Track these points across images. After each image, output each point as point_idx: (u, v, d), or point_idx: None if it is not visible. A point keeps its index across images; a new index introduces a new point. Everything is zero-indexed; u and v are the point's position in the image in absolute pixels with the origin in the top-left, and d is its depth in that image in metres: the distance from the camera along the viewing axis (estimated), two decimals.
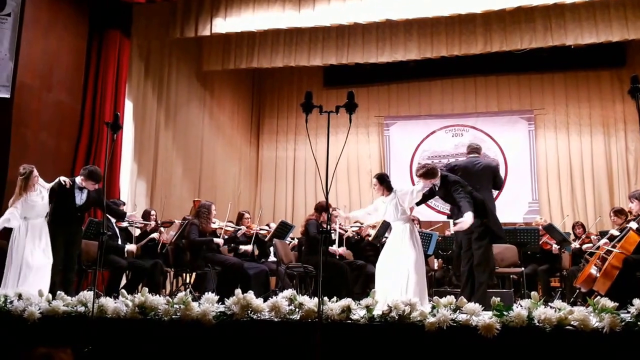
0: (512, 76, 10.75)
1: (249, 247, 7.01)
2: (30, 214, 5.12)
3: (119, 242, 6.40)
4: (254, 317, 3.66)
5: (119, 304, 3.95)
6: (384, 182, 5.17)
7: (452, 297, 3.55)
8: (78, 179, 5.40)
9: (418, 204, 5.40)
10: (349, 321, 3.52)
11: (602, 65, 10.22)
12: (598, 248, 6.05)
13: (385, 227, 6.23)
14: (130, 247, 6.38)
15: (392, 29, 8.36)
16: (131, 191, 7.83)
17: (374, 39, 8.49)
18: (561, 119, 10.47)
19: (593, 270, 5.70)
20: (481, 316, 3.33)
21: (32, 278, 4.90)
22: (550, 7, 7.51)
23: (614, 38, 7.73)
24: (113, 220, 6.35)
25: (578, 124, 10.39)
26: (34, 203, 5.14)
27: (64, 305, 4.05)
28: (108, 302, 3.96)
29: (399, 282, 4.69)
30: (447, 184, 5.00)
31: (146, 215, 6.89)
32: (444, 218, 8.86)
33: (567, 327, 3.22)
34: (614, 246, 5.58)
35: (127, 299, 4.00)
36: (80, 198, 5.41)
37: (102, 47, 7.53)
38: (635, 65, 9.83)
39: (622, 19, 7.59)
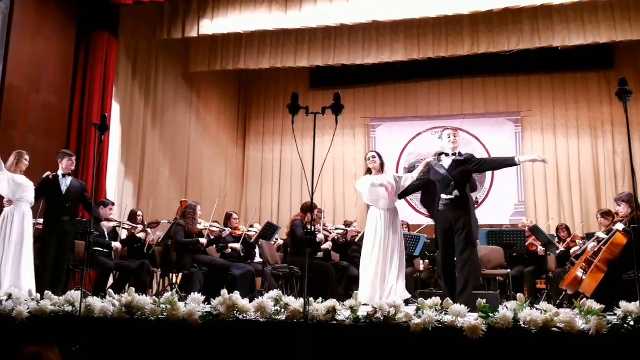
0: (499, 78, 10.80)
1: (237, 245, 6.95)
2: (18, 193, 5.23)
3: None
4: (240, 317, 3.67)
5: (106, 304, 3.97)
6: (381, 158, 5.32)
7: (438, 298, 3.55)
8: (60, 171, 5.60)
9: (400, 196, 5.36)
10: (335, 322, 3.51)
11: (589, 67, 10.29)
12: (585, 250, 6.09)
13: None
14: (116, 244, 6.39)
15: (378, 30, 8.37)
16: (118, 192, 7.80)
17: (360, 40, 8.50)
18: (548, 121, 10.53)
19: (579, 273, 5.73)
20: (467, 318, 3.33)
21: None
22: (538, 8, 7.55)
23: (601, 40, 7.78)
24: (103, 218, 6.35)
25: (565, 126, 10.46)
26: (21, 181, 5.28)
27: (51, 305, 4.07)
28: (95, 302, 3.98)
29: (394, 270, 4.92)
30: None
31: (133, 216, 6.86)
32: (430, 221, 8.90)
33: (553, 329, 3.22)
34: (600, 249, 5.62)
35: (114, 298, 4.01)
36: (64, 185, 5.56)
37: (90, 48, 7.52)
38: (623, 68, 9.93)
39: (610, 20, 7.65)
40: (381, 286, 4.97)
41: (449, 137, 5.01)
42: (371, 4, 7.50)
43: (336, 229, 7.36)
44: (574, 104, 10.45)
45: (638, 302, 3.15)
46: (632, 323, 3.13)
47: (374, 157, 5.34)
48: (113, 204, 6.85)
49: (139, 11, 8.10)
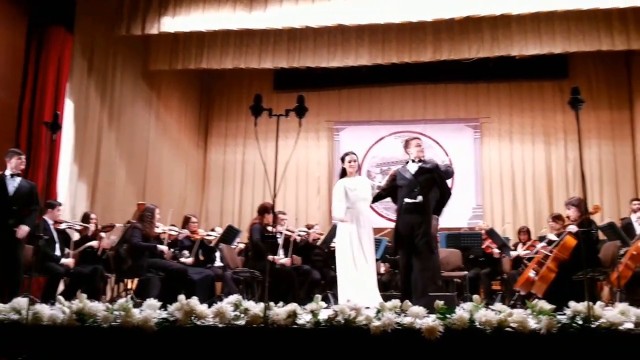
0: (460, 85, 10.99)
1: (189, 260, 6.81)
2: None
3: (57, 246, 6.12)
4: (198, 323, 3.57)
5: (55, 311, 3.78)
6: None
7: (398, 300, 3.59)
8: (7, 171, 5.34)
9: (375, 200, 5.46)
10: (295, 326, 3.48)
11: (545, 76, 10.59)
12: (537, 253, 6.26)
13: (333, 232, 6.24)
14: (67, 261, 6.09)
15: (343, 34, 8.40)
16: (70, 194, 7.50)
17: (325, 44, 8.50)
18: (505, 127, 10.79)
19: (531, 274, 5.90)
20: (425, 319, 3.37)
21: None
22: (498, 18, 7.72)
23: (556, 50, 8.03)
24: (50, 222, 6.11)
25: (521, 133, 10.73)
26: None
27: None
28: (44, 309, 3.79)
29: (373, 274, 5.12)
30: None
31: (86, 219, 6.63)
32: (392, 225, 8.99)
33: (507, 328, 3.28)
34: (551, 251, 5.79)
35: (64, 305, 3.84)
36: (12, 186, 5.31)
37: (43, 43, 7.21)
38: (576, 78, 10.27)
39: (565, 32, 7.89)
40: (360, 288, 5.03)
41: (418, 147, 5.21)
42: (336, 8, 7.52)
43: (300, 231, 7.34)
44: (530, 111, 10.73)
45: (586, 302, 3.25)
46: (580, 322, 3.23)
47: (355, 160, 5.38)
48: (60, 205, 6.59)
49: (96, 6, 7.88)
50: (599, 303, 3.38)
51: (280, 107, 3.60)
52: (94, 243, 6.44)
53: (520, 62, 9.11)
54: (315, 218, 10.27)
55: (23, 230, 5.26)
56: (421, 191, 5.00)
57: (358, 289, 4.99)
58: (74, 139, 7.63)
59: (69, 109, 7.53)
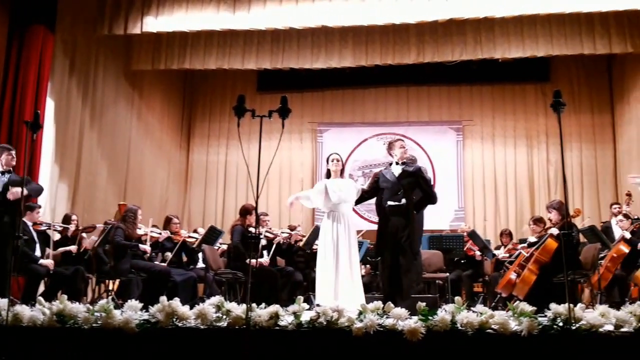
0: (443, 87, 11.05)
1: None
2: None
3: (37, 247, 6.05)
4: (180, 324, 3.56)
5: (35, 312, 3.74)
6: (342, 161, 5.45)
7: (379, 302, 3.59)
8: None
9: (357, 202, 5.46)
10: (277, 327, 3.48)
11: (527, 79, 10.70)
12: (518, 255, 6.32)
13: (316, 233, 6.25)
14: (46, 262, 5.97)
15: (327, 35, 8.41)
16: (51, 195, 7.38)
17: (309, 45, 8.50)
18: (488, 130, 10.87)
19: (513, 276, 5.95)
20: (407, 321, 3.38)
21: None
22: (481, 20, 7.77)
23: (539, 53, 8.12)
24: (30, 223, 6.03)
25: (503, 136, 10.81)
26: None
27: None
28: (24, 310, 3.75)
29: (356, 276, 5.07)
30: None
31: (67, 220, 6.56)
32: (373, 227, 9.02)
33: (488, 330, 3.31)
34: (532, 253, 5.84)
35: (44, 306, 3.80)
36: (1, 182, 5.23)
37: (24, 42, 7.10)
38: (558, 81, 10.39)
39: (548, 35, 7.97)
40: (341, 291, 5.03)
41: (402, 148, 5.23)
42: (320, 9, 7.51)
43: (281, 232, 7.33)
44: (512, 114, 10.83)
45: (567, 304, 3.28)
46: (560, 324, 3.26)
47: (338, 160, 5.39)
48: (40, 207, 6.49)
49: (78, 5, 7.79)
50: (579, 305, 3.42)
51: (264, 108, 3.59)
52: (73, 248, 6.37)
53: (503, 65, 9.20)
54: (298, 220, 10.26)
55: (16, 191, 5.13)
56: (404, 194, 5.03)
57: (338, 291, 4.99)
58: (54, 138, 7.53)
59: (50, 108, 7.41)
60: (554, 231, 5.80)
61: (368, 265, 7.74)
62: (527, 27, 8.00)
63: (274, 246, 6.90)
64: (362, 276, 7.52)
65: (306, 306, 3.62)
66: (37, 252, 6.04)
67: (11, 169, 5.41)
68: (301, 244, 7.26)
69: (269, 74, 10.31)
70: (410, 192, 5.05)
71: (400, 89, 11.16)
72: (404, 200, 5.01)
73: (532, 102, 10.77)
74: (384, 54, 8.39)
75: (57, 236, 6.53)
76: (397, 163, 5.18)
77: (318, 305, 4.21)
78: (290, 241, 7.28)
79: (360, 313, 3.49)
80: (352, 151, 11.00)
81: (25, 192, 4.94)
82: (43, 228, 6.23)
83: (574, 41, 7.94)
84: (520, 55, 8.15)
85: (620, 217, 6.73)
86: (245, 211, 6.70)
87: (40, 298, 4.05)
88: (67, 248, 6.35)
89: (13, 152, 5.43)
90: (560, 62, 10.32)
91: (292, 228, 7.88)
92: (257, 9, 7.56)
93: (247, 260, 6.26)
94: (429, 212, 5.51)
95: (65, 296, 3.90)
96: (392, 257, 4.98)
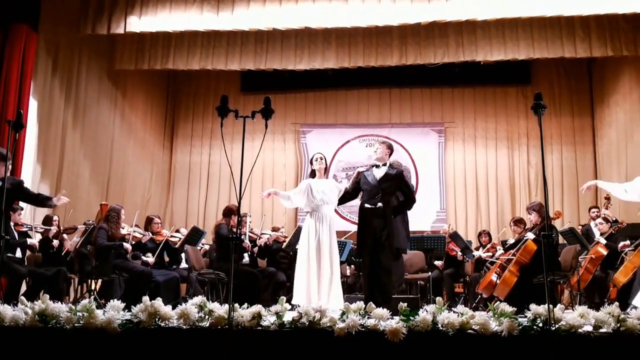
0: (425, 89, 11.14)
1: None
2: None
3: (18, 248, 6.00)
4: (162, 324, 3.55)
5: (17, 312, 3.71)
6: (326, 161, 5.48)
7: (362, 302, 3.61)
8: None
9: (340, 202, 5.47)
10: (260, 328, 3.49)
11: (509, 82, 10.83)
12: (498, 257, 6.40)
13: (299, 234, 6.27)
14: (33, 241, 6.02)
15: (310, 37, 8.43)
16: None
17: (292, 46, 8.51)
18: (469, 132, 10.98)
19: (493, 277, 6.03)
20: (388, 321, 3.40)
21: None
22: (463, 23, 7.85)
23: (520, 56, 8.19)
24: (11, 223, 5.97)
25: (484, 138, 10.93)
26: None
27: None
28: (6, 310, 3.72)
29: (337, 275, 5.10)
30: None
31: (48, 221, 6.50)
32: (355, 228, 9.07)
33: (469, 330, 3.34)
34: (513, 255, 5.92)
35: (26, 306, 3.77)
36: None
37: (6, 41, 7.02)
38: (539, 83, 10.54)
39: (529, 38, 8.07)
40: (320, 290, 5.05)
41: (388, 149, 5.24)
42: (304, 11, 7.52)
43: (262, 234, 7.33)
44: (494, 116, 10.95)
45: (547, 304, 3.33)
46: (540, 325, 3.30)
47: (321, 158, 5.40)
48: (22, 209, 6.43)
49: (61, 4, 7.72)
50: (559, 306, 3.47)
51: (247, 109, 3.60)
52: (55, 242, 6.33)
53: (485, 67, 9.30)
54: (281, 220, 10.28)
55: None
56: (382, 197, 4.99)
57: (320, 292, 5.02)
58: (37, 138, 7.46)
59: (32, 107, 7.34)
60: (530, 235, 5.89)
61: (352, 266, 7.78)
62: (509, 30, 8.08)
63: (257, 248, 6.92)
64: (347, 277, 7.61)
65: (288, 306, 3.64)
66: (18, 254, 5.99)
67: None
68: (284, 245, 7.28)
69: (253, 75, 10.30)
70: (389, 196, 5.04)
71: (383, 91, 11.22)
72: (380, 205, 4.97)
73: (513, 105, 10.91)
74: (366, 55, 8.43)
75: (38, 237, 6.48)
76: (377, 166, 5.14)
77: (293, 306, 4.22)
78: (268, 241, 7.24)
79: (343, 313, 3.51)
80: (336, 152, 11.03)
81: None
82: (24, 229, 6.17)
83: (555, 44, 8.05)
84: (502, 58, 8.24)
85: (600, 220, 6.83)
86: (229, 211, 6.70)
87: (23, 298, 4.02)
88: (52, 243, 6.28)
89: (10, 162, 5.26)
90: (541, 65, 10.47)
91: (275, 229, 7.89)
92: (240, 9, 7.55)
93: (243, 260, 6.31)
94: (412, 213, 5.54)
95: (48, 296, 3.87)
96: (372, 258, 4.98)
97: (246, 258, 6.87)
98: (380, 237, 4.91)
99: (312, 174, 5.46)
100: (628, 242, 6.11)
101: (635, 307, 4.40)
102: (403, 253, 5.57)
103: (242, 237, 6.65)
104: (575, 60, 9.27)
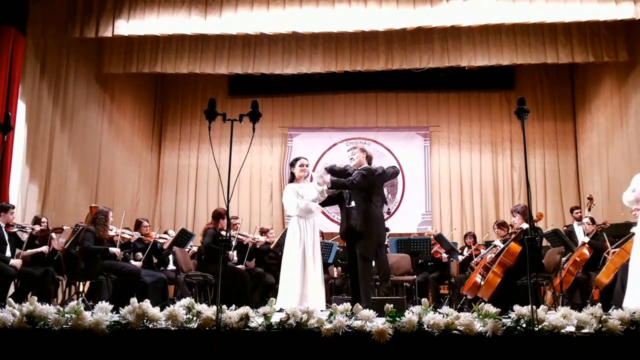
0: (411, 94, 11.26)
1: (138, 263, 6.70)
2: None
3: (8, 247, 5.98)
4: (150, 326, 3.56)
5: (5, 314, 3.71)
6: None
7: (349, 303, 3.65)
8: None
9: (323, 204, 5.52)
10: (247, 329, 3.52)
11: (492, 87, 10.99)
12: (482, 258, 6.49)
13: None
14: (15, 261, 5.91)
15: (298, 41, 8.50)
16: (22, 196, 7.31)
17: (280, 50, 8.57)
18: (454, 136, 11.11)
19: (478, 279, 6.10)
20: (375, 322, 3.46)
21: None
22: (448, 29, 7.97)
23: (504, 62, 8.34)
24: (2, 224, 5.96)
25: (469, 142, 11.06)
26: None
27: None
28: None
29: (319, 279, 5.17)
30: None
31: (37, 222, 6.48)
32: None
33: (454, 331, 3.38)
34: (497, 256, 6.01)
35: (14, 308, 3.77)
36: None
37: None
38: (522, 89, 10.70)
39: (512, 44, 8.20)
40: (306, 291, 5.10)
41: (363, 152, 5.37)
42: (291, 16, 7.59)
43: (254, 239, 7.36)
44: (478, 121, 11.09)
45: (530, 306, 3.39)
46: (524, 325, 3.36)
47: (306, 164, 5.44)
48: (14, 207, 6.43)
49: (50, 7, 7.71)
50: (542, 307, 3.52)
51: (235, 112, 3.65)
52: (44, 248, 6.30)
53: (469, 72, 9.41)
54: (269, 223, 10.31)
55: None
56: (353, 198, 5.20)
57: (305, 293, 5.07)
58: (25, 140, 7.45)
59: (20, 110, 7.34)
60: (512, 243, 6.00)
61: (339, 268, 7.84)
62: (493, 36, 8.22)
63: (246, 249, 6.97)
64: (335, 278, 7.65)
65: (277, 308, 3.68)
66: (8, 254, 5.98)
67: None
68: (272, 246, 7.33)
69: (240, 79, 10.35)
70: (357, 196, 5.16)
71: (369, 95, 11.33)
72: (353, 203, 5.18)
73: (497, 109, 11.06)
74: (353, 60, 8.52)
75: (25, 237, 6.46)
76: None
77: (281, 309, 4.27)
78: (255, 242, 7.29)
79: (331, 314, 3.56)
80: (322, 156, 11.10)
81: None
82: (15, 230, 6.16)
83: (537, 50, 8.19)
84: (486, 64, 8.38)
85: (587, 220, 6.92)
86: (217, 215, 6.75)
87: (10, 299, 4.01)
88: (39, 250, 6.27)
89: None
90: (524, 70, 10.63)
91: (264, 231, 7.93)
92: (228, 14, 7.60)
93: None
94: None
95: (35, 297, 3.86)
96: (351, 260, 5.21)
97: (235, 258, 6.91)
98: (353, 239, 5.14)
99: (292, 178, 5.47)
100: None
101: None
102: (381, 245, 5.59)
103: (232, 239, 6.69)
104: (557, 66, 9.44)
